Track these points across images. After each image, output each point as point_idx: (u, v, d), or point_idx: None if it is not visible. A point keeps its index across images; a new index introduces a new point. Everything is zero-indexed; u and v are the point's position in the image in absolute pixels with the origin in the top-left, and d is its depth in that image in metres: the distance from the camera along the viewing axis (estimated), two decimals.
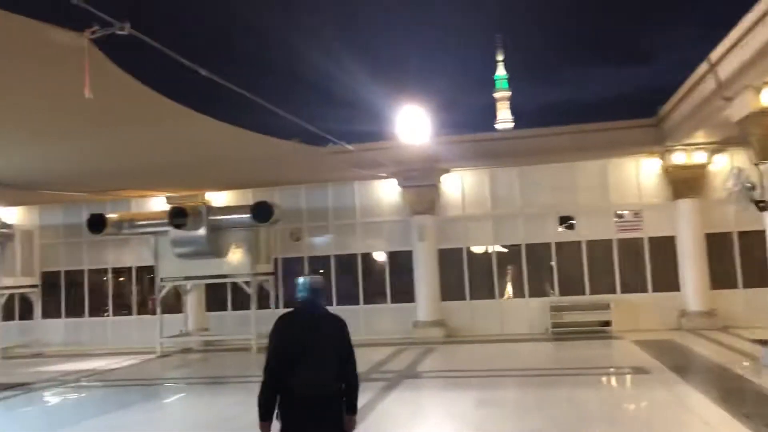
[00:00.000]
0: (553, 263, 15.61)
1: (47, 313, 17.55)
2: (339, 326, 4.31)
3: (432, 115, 12.20)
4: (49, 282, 17.56)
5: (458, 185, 16.17)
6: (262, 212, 14.00)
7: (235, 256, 14.74)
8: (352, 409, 4.24)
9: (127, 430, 8.16)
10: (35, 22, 5.31)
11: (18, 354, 16.44)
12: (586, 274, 15.38)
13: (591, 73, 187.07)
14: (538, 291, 15.66)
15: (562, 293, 15.47)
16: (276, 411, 4.09)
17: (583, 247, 15.45)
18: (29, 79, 6.79)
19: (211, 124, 8.92)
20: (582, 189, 15.59)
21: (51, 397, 11.19)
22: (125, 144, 10.07)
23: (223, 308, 16.67)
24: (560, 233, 15.65)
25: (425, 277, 15.67)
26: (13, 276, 16.38)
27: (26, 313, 17.51)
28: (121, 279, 17.62)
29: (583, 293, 15.29)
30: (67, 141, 9.54)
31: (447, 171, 15.88)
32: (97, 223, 14.44)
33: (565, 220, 15.55)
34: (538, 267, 15.77)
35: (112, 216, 14.85)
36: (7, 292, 16.34)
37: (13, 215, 17.45)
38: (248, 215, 14.11)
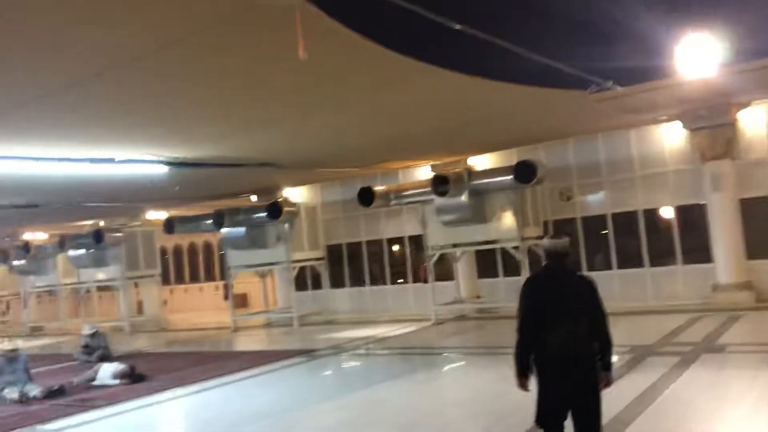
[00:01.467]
0: None
1: (334, 283, 18.77)
2: (589, 286, 4.36)
3: (726, 42, 10.05)
4: (333, 254, 18.72)
5: (762, 121, 13.43)
6: (524, 172, 13.07)
7: (502, 220, 14.06)
8: (607, 366, 4.31)
9: (396, 400, 8.02)
10: None
11: (312, 321, 17.86)
12: None
13: None
14: None
15: None
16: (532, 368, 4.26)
17: None
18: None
19: (462, 80, 8.28)
20: None
21: (340, 362, 11.74)
22: (384, 113, 9.88)
23: (495, 275, 16.14)
24: None
25: (724, 232, 13.32)
26: (301, 250, 17.74)
27: (316, 284, 18.93)
28: (395, 248, 18.09)
29: None
30: (331, 115, 9.58)
31: (746, 105, 13.23)
32: (366, 196, 14.84)
33: None
34: None
35: (380, 188, 15.18)
36: (298, 265, 17.77)
37: (298, 194, 18.89)
38: (510, 177, 13.29)
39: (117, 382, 10.77)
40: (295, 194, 18.83)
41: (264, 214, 16.82)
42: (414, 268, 17.45)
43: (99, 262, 20.62)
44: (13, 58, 5.85)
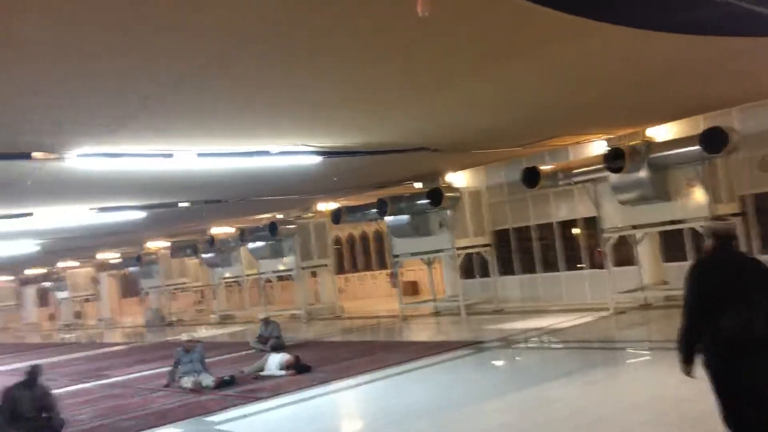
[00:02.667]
0: None
1: (503, 270, 17.93)
2: (762, 269, 4.19)
3: None
4: (500, 240, 17.88)
5: None
6: (713, 140, 11.37)
7: (689, 197, 12.42)
8: None
9: (560, 402, 7.17)
10: None
11: (481, 310, 17.22)
12: None
13: None
14: None
15: None
16: (698, 355, 4.14)
17: None
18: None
19: (639, 35, 7.13)
20: None
21: (509, 356, 11.01)
22: (548, 78, 8.77)
23: (683, 258, 14.38)
24: None
25: None
26: (466, 237, 17.12)
27: (484, 271, 18.21)
28: (567, 232, 16.85)
29: None
30: (488, 84, 8.71)
31: None
32: (531, 177, 13.87)
33: None
34: None
35: (545, 168, 14.11)
36: (463, 252, 17.17)
37: (462, 179, 18.26)
38: (696, 147, 11.63)
39: (283, 372, 10.91)
40: (459, 179, 18.21)
41: (425, 201, 16.41)
42: (589, 252, 16.12)
43: (276, 253, 21.51)
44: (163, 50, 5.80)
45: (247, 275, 24.26)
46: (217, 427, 7.81)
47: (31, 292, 41.01)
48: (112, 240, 27.06)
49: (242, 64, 6.37)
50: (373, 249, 29.96)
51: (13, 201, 12.76)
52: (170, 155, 9.33)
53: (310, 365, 11.15)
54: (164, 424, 8.22)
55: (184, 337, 11.59)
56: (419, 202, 16.77)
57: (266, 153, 10.09)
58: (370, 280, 29.50)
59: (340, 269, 31.32)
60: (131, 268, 29.58)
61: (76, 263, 35.59)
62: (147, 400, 10.10)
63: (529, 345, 11.63)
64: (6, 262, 29.00)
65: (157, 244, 28.96)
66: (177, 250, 26.50)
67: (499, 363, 10.62)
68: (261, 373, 11.09)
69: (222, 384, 10.42)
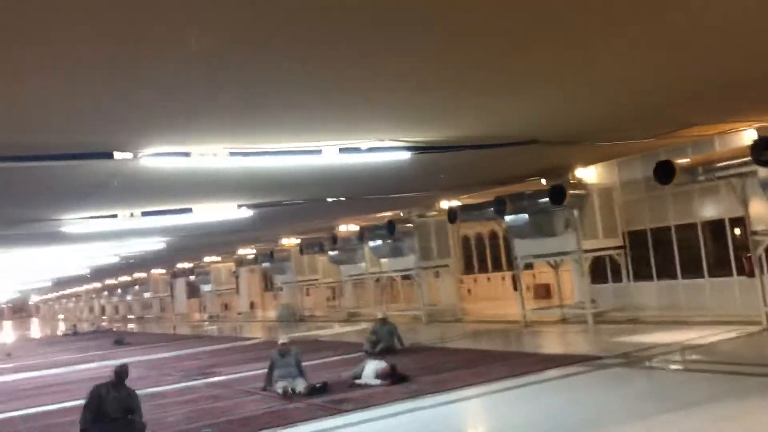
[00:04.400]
0: None
1: (637, 276, 16.19)
2: None
3: None
4: (635, 241, 16.14)
5: None
6: None
7: None
8: None
9: None
10: None
11: (612, 319, 15.64)
12: None
13: None
14: None
15: None
16: None
17: None
18: None
19: None
20: None
21: (636, 375, 9.63)
22: (679, 47, 7.14)
23: None
24: None
25: None
26: (595, 238, 15.60)
27: (616, 276, 16.55)
28: (711, 234, 14.83)
29: None
30: (604, 55, 7.35)
31: None
32: (664, 172, 12.23)
33: None
34: None
35: (683, 161, 12.40)
36: (591, 254, 15.66)
37: (591, 174, 16.70)
38: None
39: (378, 382, 10.27)
40: (588, 174, 16.67)
41: (547, 199, 15.12)
42: (737, 257, 14.05)
43: (396, 252, 21.01)
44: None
45: (371, 273, 24.02)
46: None
47: (181, 284, 43.67)
48: (248, 237, 28.01)
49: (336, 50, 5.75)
50: (503, 249, 28.64)
51: (138, 199, 13.03)
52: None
53: (408, 375, 10.43)
54: None
55: (281, 339, 11.29)
56: (541, 200, 15.49)
57: (356, 150, 9.47)
58: (500, 281, 28.26)
59: (468, 269, 30.34)
60: (264, 264, 30.42)
61: (218, 258, 37.43)
62: (238, 404, 9.88)
63: (660, 363, 10.11)
64: (156, 257, 30.85)
65: (291, 241, 29.58)
66: (305, 247, 26.84)
67: (622, 384, 9.26)
68: (357, 381, 10.52)
69: (313, 391, 9.98)
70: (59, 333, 42.27)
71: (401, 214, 22.05)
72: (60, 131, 7.44)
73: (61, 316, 77.79)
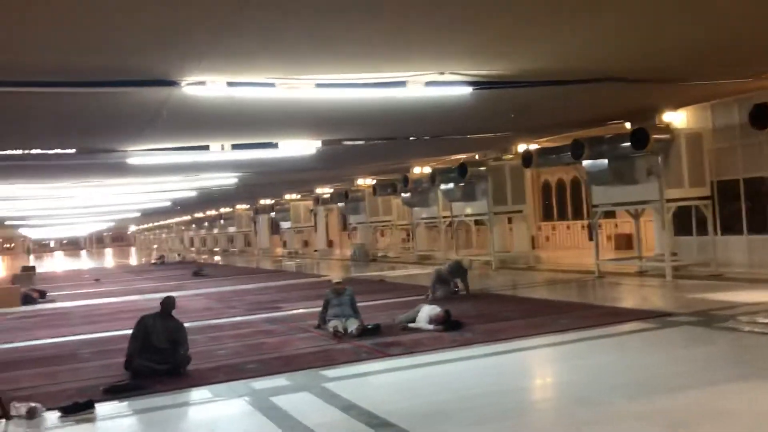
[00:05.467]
0: None
1: (725, 228, 15.00)
2: None
3: None
4: (725, 192, 14.89)
5: None
6: None
7: None
8: None
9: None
10: None
11: (694, 274, 14.64)
12: None
13: None
14: None
15: None
16: None
17: None
18: None
19: None
20: None
21: (707, 337, 8.85)
22: None
23: None
24: None
25: None
26: (680, 186, 14.47)
27: (702, 229, 15.39)
28: None
29: None
30: None
31: None
32: (761, 117, 11.03)
33: None
34: None
35: None
36: (674, 204, 14.57)
37: (680, 118, 15.41)
38: None
39: (431, 327, 9.95)
40: (676, 118, 15.39)
41: (628, 144, 14.06)
42: None
43: (468, 196, 20.41)
44: None
45: (443, 217, 23.57)
46: (325, 384, 7.11)
47: (263, 220, 44.67)
48: (325, 176, 28.03)
49: None
50: (585, 196, 27.42)
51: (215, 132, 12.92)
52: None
53: (462, 322, 10.06)
54: (281, 373, 7.74)
55: (335, 278, 11.11)
56: (622, 144, 14.44)
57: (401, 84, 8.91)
58: (579, 230, 27.22)
59: (547, 217, 29.36)
60: (339, 204, 30.47)
61: (298, 196, 37.90)
62: (288, 341, 9.82)
63: (742, 324, 9.25)
64: (239, 193, 31.40)
65: (366, 182, 29.43)
66: (379, 189, 26.60)
67: (691, 345, 8.53)
68: (410, 325, 10.25)
69: (364, 332, 9.79)
70: (149, 262, 44.35)
71: (476, 157, 21.32)
72: (137, 55, 7.23)
73: (155, 246, 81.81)
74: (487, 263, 20.38)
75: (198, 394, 7.13)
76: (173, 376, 7.73)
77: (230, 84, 8.39)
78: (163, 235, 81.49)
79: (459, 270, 13.98)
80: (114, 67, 7.54)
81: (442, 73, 8.54)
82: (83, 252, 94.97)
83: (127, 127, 11.09)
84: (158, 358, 7.99)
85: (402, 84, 8.95)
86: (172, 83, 7.81)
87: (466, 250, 24.78)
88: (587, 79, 9.72)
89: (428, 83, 8.81)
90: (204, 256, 49.41)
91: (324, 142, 15.11)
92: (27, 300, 18.28)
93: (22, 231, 64.46)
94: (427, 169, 23.62)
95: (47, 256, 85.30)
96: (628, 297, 13.41)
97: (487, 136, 16.68)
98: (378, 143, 16.61)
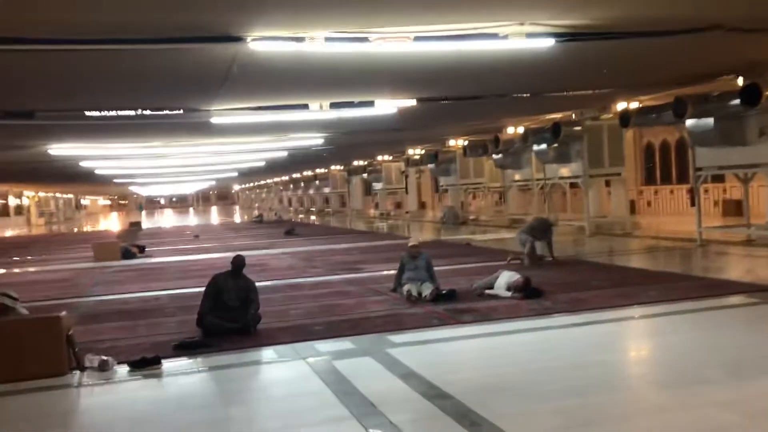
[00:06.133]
0: None
1: None
2: None
3: None
4: None
5: None
6: None
7: None
8: None
9: None
10: None
11: None
12: None
13: None
14: None
15: None
16: None
17: None
18: None
19: None
20: None
21: None
22: None
23: None
24: None
25: None
26: None
27: None
28: None
29: None
30: None
31: None
32: None
33: None
34: None
35: None
36: None
37: None
38: None
39: (509, 294, 9.54)
40: None
41: (737, 102, 12.82)
42: None
43: (562, 158, 19.51)
44: None
45: (537, 180, 22.72)
46: (390, 350, 6.91)
47: (357, 181, 44.94)
48: (417, 136, 27.58)
49: None
50: (691, 159, 25.64)
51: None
52: None
53: (542, 290, 9.58)
54: (348, 335, 7.61)
55: (411, 241, 10.85)
56: (731, 102, 13.20)
57: (494, 36, 8.36)
58: (684, 194, 25.56)
59: (650, 180, 27.77)
60: (429, 165, 30.05)
61: (390, 157, 37.73)
62: (361, 303, 9.70)
63: None
64: (333, 153, 31.55)
65: (458, 143, 28.78)
66: (470, 150, 25.96)
67: None
68: (487, 291, 9.87)
69: (438, 297, 9.51)
70: (248, 220, 45.78)
71: (573, 117, 20.28)
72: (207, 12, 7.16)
73: (256, 205, 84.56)
74: (581, 229, 19.51)
75: (261, 354, 7.13)
76: (242, 335, 7.77)
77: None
78: (263, 195, 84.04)
79: (542, 226, 13.36)
80: (187, 24, 7.48)
81: (521, 24, 7.94)
82: (191, 209, 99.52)
83: (208, 86, 11.15)
84: (229, 317, 8.05)
85: (493, 36, 8.43)
86: (238, 39, 7.65)
87: (561, 214, 23.84)
88: (693, 28, 8.80)
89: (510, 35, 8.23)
90: (301, 216, 50.49)
91: (418, 100, 14.63)
92: (126, 254, 19.18)
93: (133, 189, 68.04)
94: (521, 129, 22.75)
95: (158, 212, 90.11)
96: (732, 268, 12.41)
97: (582, 93, 15.72)
98: (466, 102, 16.01)
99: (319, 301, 10.10)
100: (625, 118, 16.11)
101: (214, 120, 13.61)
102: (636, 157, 27.45)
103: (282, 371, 6.57)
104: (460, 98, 15.38)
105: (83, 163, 25.50)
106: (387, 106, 14.38)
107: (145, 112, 12.72)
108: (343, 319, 8.59)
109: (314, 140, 21.83)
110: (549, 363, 6.22)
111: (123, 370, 6.59)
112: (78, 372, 6.55)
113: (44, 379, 6.29)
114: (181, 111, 12.85)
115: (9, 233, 42.93)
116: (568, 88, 15.02)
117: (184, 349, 7.30)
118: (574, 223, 20.59)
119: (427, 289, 9.71)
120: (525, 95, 15.75)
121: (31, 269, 18.00)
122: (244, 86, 11.19)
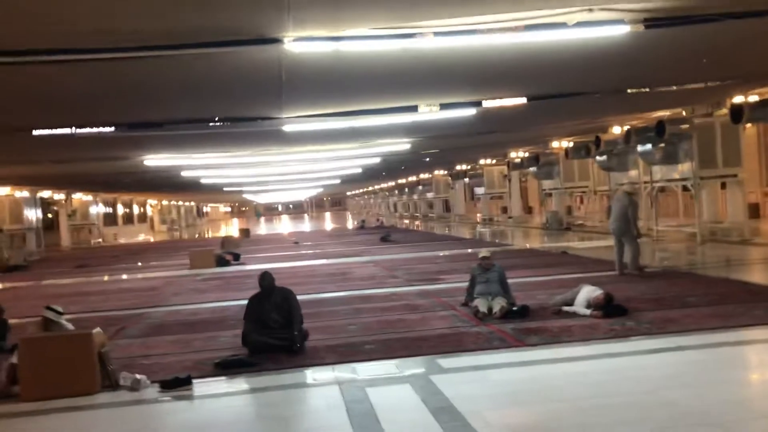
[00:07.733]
0: None
1: None
2: None
3: None
4: None
5: None
6: None
7: None
8: None
9: None
10: None
11: None
12: None
13: None
14: None
15: None
16: None
17: None
18: None
19: None
20: None
21: None
22: None
23: None
24: None
25: None
26: None
27: None
28: None
29: None
30: None
31: None
32: None
33: None
34: None
35: None
36: None
37: None
38: None
39: (588, 312, 8.59)
40: None
41: None
42: None
43: (669, 159, 17.89)
44: None
45: (645, 183, 21.04)
46: (435, 376, 6.25)
47: (459, 185, 44.05)
48: (519, 137, 26.41)
49: None
50: None
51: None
52: None
53: (627, 308, 8.54)
54: (397, 357, 7.03)
55: (483, 253, 10.07)
56: None
57: (562, 26, 7.51)
58: None
59: None
60: (531, 168, 28.78)
61: (492, 161, 36.62)
62: (425, 319, 9.05)
63: None
64: (435, 157, 30.88)
65: (562, 144, 27.36)
66: (572, 151, 24.55)
67: None
68: (565, 308, 8.95)
69: (508, 314, 8.72)
70: (354, 227, 46.07)
71: (684, 114, 18.57)
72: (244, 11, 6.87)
73: (365, 211, 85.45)
74: (693, 235, 17.79)
75: (298, 376, 6.67)
76: (289, 353, 7.37)
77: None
78: (371, 201, 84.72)
79: (624, 201, 12.08)
80: (224, 27, 7.20)
81: (590, 10, 7.02)
82: (305, 215, 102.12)
83: (266, 94, 10.93)
84: (275, 335, 7.67)
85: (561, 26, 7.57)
86: (275, 40, 7.25)
87: (672, 220, 21.98)
88: None
89: (579, 23, 7.33)
90: (405, 221, 50.19)
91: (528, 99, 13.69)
92: (221, 262, 19.51)
93: (247, 196, 70.50)
94: (625, 128, 21.15)
95: (276, 219, 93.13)
96: None
97: (687, 88, 14.22)
98: (559, 100, 14.91)
99: (383, 315, 9.56)
100: (737, 113, 14.45)
101: (286, 128, 13.43)
102: (761, 157, 24.92)
103: (311, 398, 6.09)
104: (555, 96, 14.32)
105: (184, 173, 26.35)
106: (488, 104, 13.42)
107: (216, 123, 12.72)
108: (398, 337, 8.00)
109: (401, 145, 21.33)
110: (620, 398, 5.32)
111: (154, 390, 6.34)
112: (110, 390, 6.36)
113: (74, 398, 6.15)
114: (256, 120, 12.72)
115: (131, 240, 45.56)
116: (671, 83, 13.61)
117: (225, 368, 6.99)
118: (686, 229, 18.84)
119: (497, 305, 8.93)
120: (628, 91, 14.41)
121: (127, 276, 18.69)
122: (309, 90, 10.88)
